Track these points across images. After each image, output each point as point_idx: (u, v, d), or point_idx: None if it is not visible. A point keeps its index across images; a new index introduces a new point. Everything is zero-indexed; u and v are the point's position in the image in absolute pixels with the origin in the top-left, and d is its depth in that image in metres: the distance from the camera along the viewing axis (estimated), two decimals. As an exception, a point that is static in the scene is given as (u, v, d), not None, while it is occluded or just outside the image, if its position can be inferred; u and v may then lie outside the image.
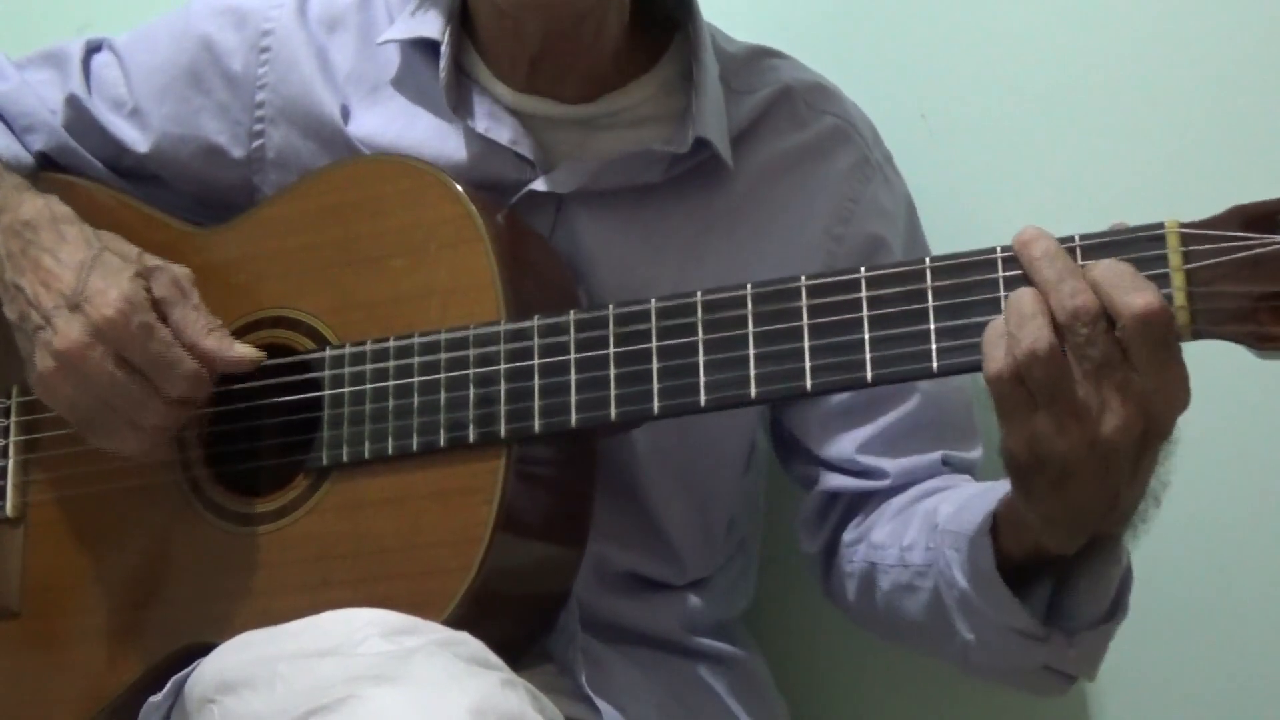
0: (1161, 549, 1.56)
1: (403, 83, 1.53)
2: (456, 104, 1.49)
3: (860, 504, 1.53)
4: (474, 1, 1.51)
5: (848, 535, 1.53)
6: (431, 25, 1.50)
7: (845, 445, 1.52)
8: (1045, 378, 1.14)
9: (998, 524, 1.29)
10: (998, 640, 1.33)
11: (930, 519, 1.42)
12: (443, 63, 1.49)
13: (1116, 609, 1.31)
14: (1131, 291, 1.12)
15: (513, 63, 1.50)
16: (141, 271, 1.42)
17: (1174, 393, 1.14)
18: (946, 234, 1.67)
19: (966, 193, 1.69)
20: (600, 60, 1.50)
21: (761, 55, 1.59)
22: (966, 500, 1.39)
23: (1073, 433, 1.15)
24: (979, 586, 1.31)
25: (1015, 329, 1.15)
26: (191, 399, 1.41)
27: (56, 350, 1.40)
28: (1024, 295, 1.16)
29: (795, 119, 1.54)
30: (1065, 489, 1.18)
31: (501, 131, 1.48)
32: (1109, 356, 1.13)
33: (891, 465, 1.51)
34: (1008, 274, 1.19)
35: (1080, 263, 1.16)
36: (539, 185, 1.47)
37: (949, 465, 1.52)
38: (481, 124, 1.49)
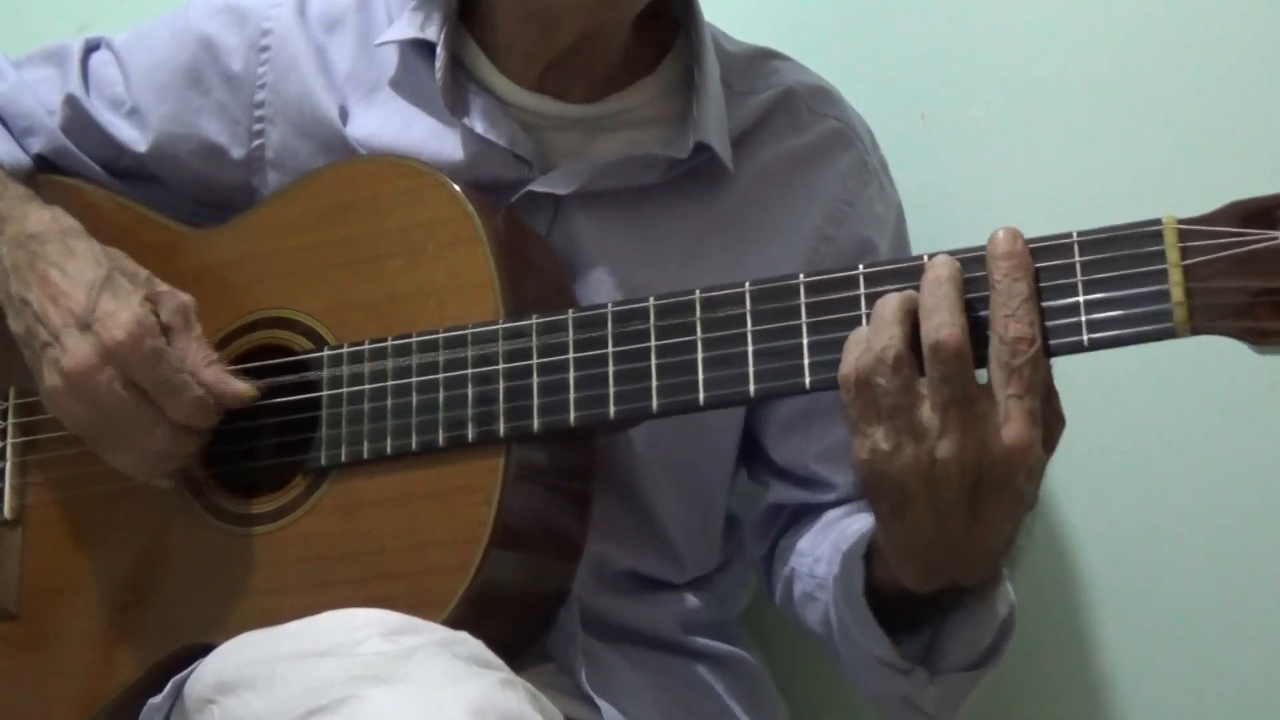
0: (1160, 546, 1.57)
1: (401, 83, 1.53)
2: (454, 104, 1.49)
3: (803, 515, 1.53)
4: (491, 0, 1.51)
5: (784, 540, 1.54)
6: (429, 27, 1.50)
7: (802, 452, 1.53)
8: (890, 388, 1.14)
9: (872, 551, 1.30)
10: (864, 664, 1.34)
11: (841, 535, 1.42)
12: (438, 64, 1.48)
13: (989, 658, 1.32)
14: (1008, 322, 1.13)
15: (527, 61, 1.50)
16: (150, 295, 1.42)
17: (1015, 443, 1.13)
18: (946, 234, 1.65)
19: (966, 192, 1.70)
20: (611, 61, 1.51)
21: (764, 57, 1.59)
22: (867, 523, 1.37)
23: (906, 452, 1.14)
24: (850, 608, 1.32)
25: (872, 334, 1.16)
26: (196, 427, 1.41)
27: (65, 370, 1.40)
28: (888, 301, 1.16)
29: (797, 122, 1.54)
30: (904, 519, 1.18)
31: (499, 132, 1.48)
32: (961, 393, 1.13)
33: (841, 479, 1.50)
34: (1003, 273, 1.19)
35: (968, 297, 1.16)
36: (537, 186, 1.47)
37: None
38: (479, 124, 1.49)
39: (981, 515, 1.16)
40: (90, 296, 1.41)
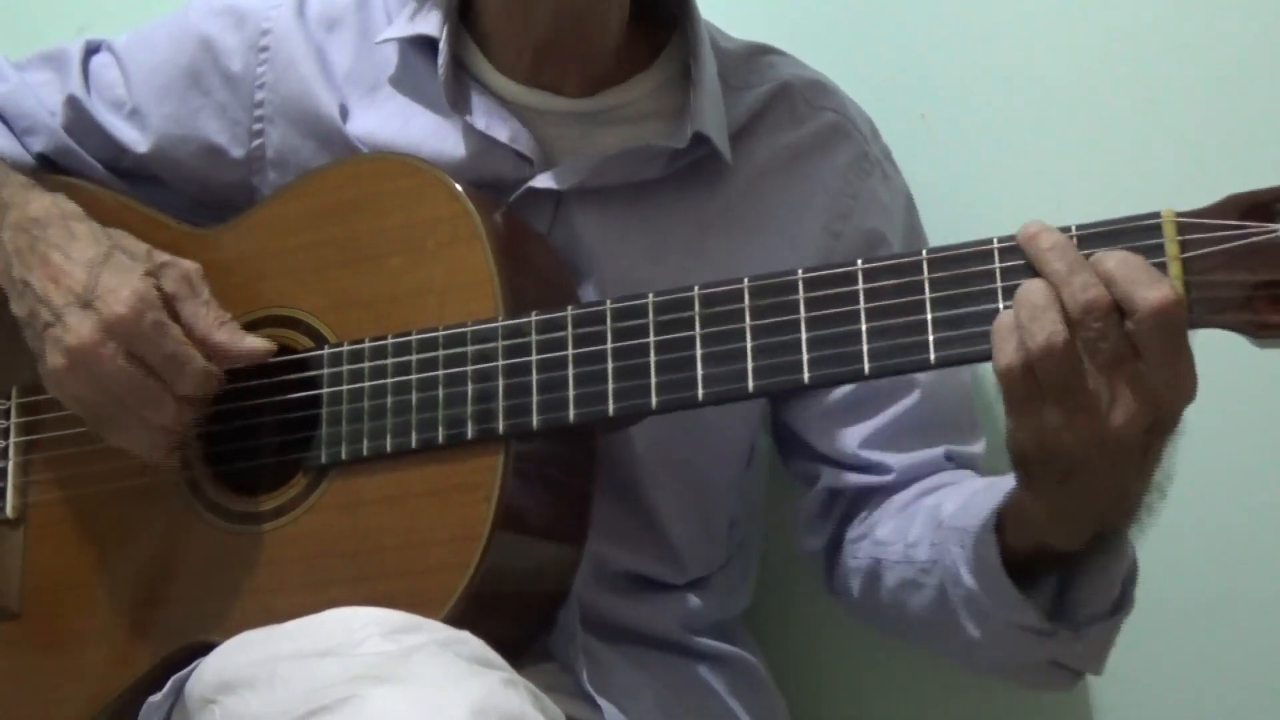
0: (1159, 544, 1.57)
1: (401, 81, 1.53)
2: (456, 100, 1.49)
3: (864, 500, 1.52)
4: None
5: (852, 532, 1.53)
6: (429, 23, 1.50)
7: (848, 440, 1.52)
8: (1057, 371, 1.14)
9: (1002, 520, 1.29)
10: (1004, 636, 1.33)
11: (935, 515, 1.42)
12: (441, 59, 1.49)
13: (1123, 602, 1.31)
14: (1147, 285, 1.12)
15: (517, 53, 1.51)
16: (152, 269, 1.43)
17: (1183, 384, 1.14)
18: (947, 233, 1.66)
19: (967, 191, 1.69)
20: (602, 55, 1.51)
21: (760, 52, 1.60)
22: (970, 496, 1.39)
23: (1082, 426, 1.14)
24: (984, 583, 1.31)
25: (1027, 321, 1.15)
26: (201, 398, 1.41)
27: (68, 347, 1.39)
28: (1034, 288, 1.15)
29: (794, 115, 1.55)
30: (1072, 483, 1.18)
31: (500, 129, 1.49)
32: (1120, 350, 1.13)
33: (895, 460, 1.51)
34: (1004, 265, 1.19)
35: (1087, 255, 1.15)
36: (537, 182, 1.47)
37: (952, 460, 1.52)
38: (480, 120, 1.49)
39: (1151, 460, 1.18)
40: (91, 274, 1.41)
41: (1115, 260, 1.14)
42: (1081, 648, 1.32)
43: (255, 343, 1.43)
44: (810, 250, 1.50)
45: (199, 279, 1.44)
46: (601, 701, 1.40)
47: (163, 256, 1.44)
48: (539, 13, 1.47)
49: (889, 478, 1.51)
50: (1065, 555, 1.27)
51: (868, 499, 1.52)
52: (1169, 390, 1.13)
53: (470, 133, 1.49)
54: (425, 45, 1.52)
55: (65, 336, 1.40)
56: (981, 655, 1.39)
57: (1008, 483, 1.26)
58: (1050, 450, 1.17)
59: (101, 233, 1.46)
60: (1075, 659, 1.33)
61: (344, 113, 1.53)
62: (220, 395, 1.44)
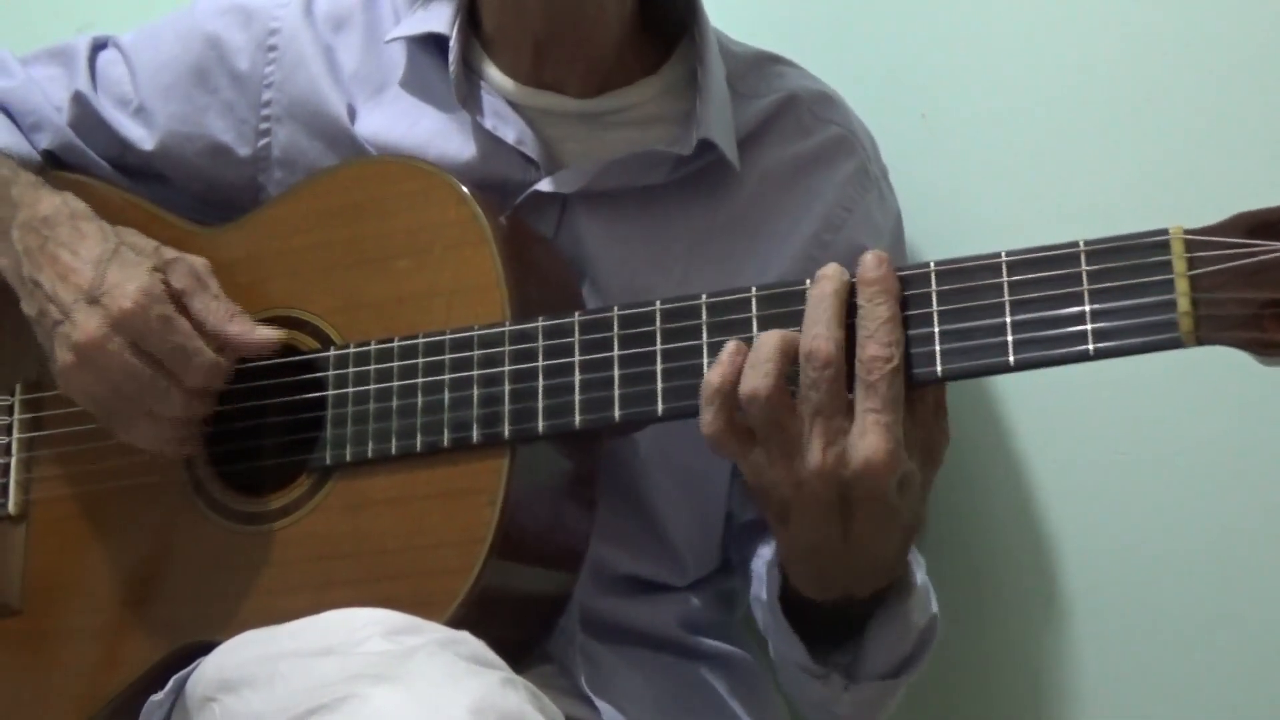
0: (1164, 559, 1.57)
1: (409, 81, 1.53)
2: (465, 98, 1.49)
3: None
4: None
5: (753, 541, 1.55)
6: (438, 20, 1.50)
7: None
8: (761, 414, 1.18)
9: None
10: (785, 668, 1.39)
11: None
12: (452, 56, 1.49)
13: (906, 668, 1.36)
14: (866, 342, 1.17)
15: (517, 51, 1.51)
16: (159, 265, 1.43)
17: (871, 451, 1.16)
18: (947, 235, 1.67)
19: (966, 193, 1.69)
20: (604, 53, 1.51)
21: (768, 61, 1.60)
22: None
23: (779, 465, 1.19)
24: (770, 613, 1.36)
25: (748, 368, 1.20)
26: (209, 390, 1.41)
27: (75, 343, 1.40)
28: (769, 339, 1.20)
29: (800, 127, 1.55)
30: (788, 526, 1.23)
31: (507, 130, 1.49)
32: (827, 403, 1.17)
33: None
34: (1011, 279, 1.19)
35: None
36: (543, 186, 1.47)
37: None
38: (489, 120, 1.49)
39: (854, 527, 1.21)
40: (98, 271, 1.42)
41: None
42: (849, 699, 1.36)
43: (267, 332, 1.43)
44: (797, 257, 1.51)
45: (207, 274, 1.44)
46: (599, 703, 1.41)
47: (170, 253, 1.45)
48: (531, 7, 1.47)
49: None
50: (837, 609, 1.31)
51: None
52: (857, 455, 1.17)
53: (478, 133, 1.49)
54: (434, 44, 1.51)
55: (73, 333, 1.40)
56: (780, 681, 1.45)
57: None
58: (762, 487, 1.22)
59: (110, 230, 1.46)
60: (842, 707, 1.37)
61: (351, 113, 1.53)
62: (227, 395, 1.44)
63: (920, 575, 1.39)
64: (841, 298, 1.20)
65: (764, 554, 1.49)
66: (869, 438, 1.16)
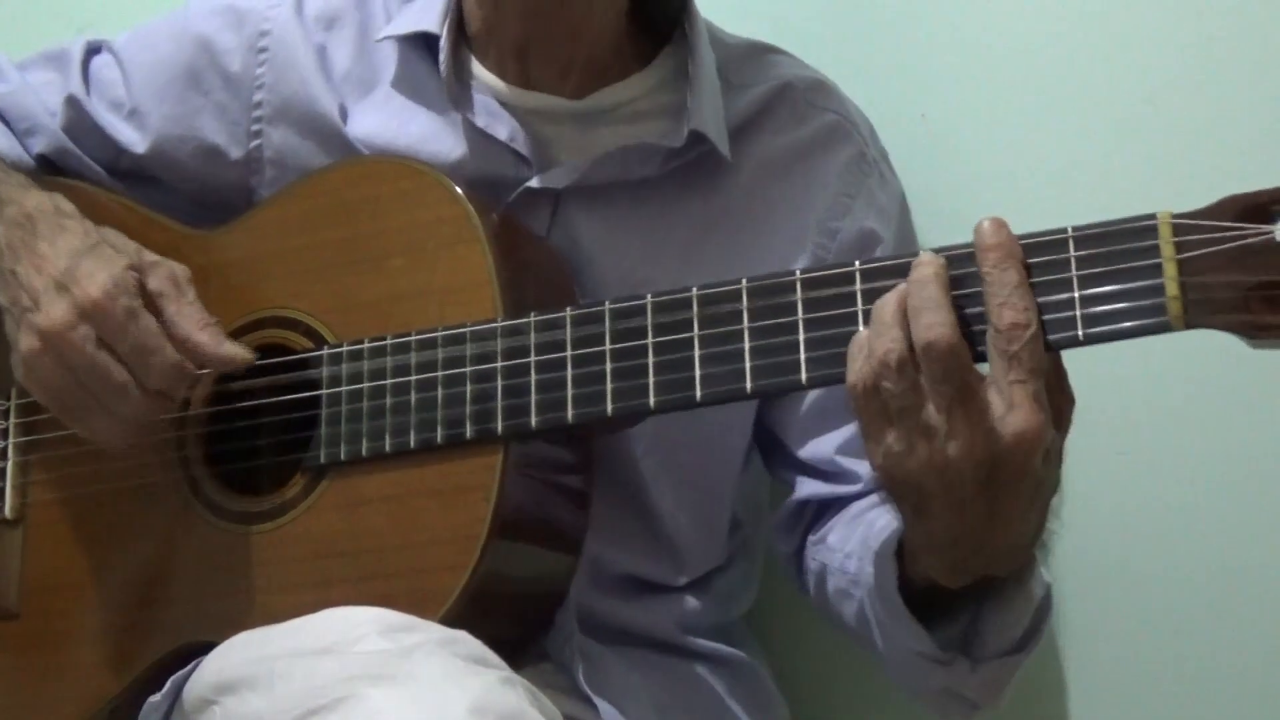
0: (1154, 542, 1.57)
1: (400, 80, 1.53)
2: (457, 97, 1.49)
3: (830, 507, 1.53)
4: None
5: (813, 535, 1.53)
6: (430, 19, 1.51)
7: (824, 446, 1.52)
8: (897, 390, 1.14)
9: (903, 546, 1.29)
10: (903, 659, 1.34)
11: (869, 530, 1.42)
12: (443, 55, 1.49)
13: (1028, 642, 1.31)
14: (1001, 310, 1.13)
15: (500, 52, 1.51)
16: (137, 264, 1.42)
17: (1023, 423, 1.12)
18: (946, 234, 1.65)
19: (967, 193, 1.69)
20: (594, 52, 1.51)
21: (760, 51, 1.60)
22: (892, 518, 1.38)
23: (920, 453, 1.14)
24: (885, 606, 1.31)
25: (873, 338, 1.16)
26: (169, 393, 1.40)
27: (40, 328, 1.39)
28: (886, 303, 1.16)
29: (794, 115, 1.55)
30: (925, 516, 1.18)
31: (499, 128, 1.49)
32: (962, 388, 1.13)
33: (865, 470, 1.49)
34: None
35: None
36: (535, 182, 1.48)
37: None
38: (481, 119, 1.49)
39: (1001, 508, 1.16)
40: (72, 260, 1.41)
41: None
42: (976, 680, 1.32)
43: (235, 349, 1.41)
44: (805, 247, 1.50)
45: (186, 282, 1.43)
46: (598, 701, 1.40)
47: (152, 256, 1.44)
48: (508, 11, 1.48)
49: (855, 487, 1.50)
50: (962, 590, 1.26)
51: (833, 506, 1.52)
52: (1008, 431, 1.12)
53: (470, 131, 1.49)
54: (425, 43, 1.52)
55: (38, 319, 1.39)
56: (889, 672, 1.40)
57: None
58: (897, 477, 1.17)
59: (93, 228, 1.46)
60: (969, 690, 1.33)
61: (343, 113, 1.53)
62: (219, 395, 1.44)
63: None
64: (944, 280, 1.15)
65: (837, 545, 1.47)
66: (1020, 411, 1.11)
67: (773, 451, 1.57)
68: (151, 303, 1.40)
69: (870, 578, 1.34)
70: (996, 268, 1.15)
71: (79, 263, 1.41)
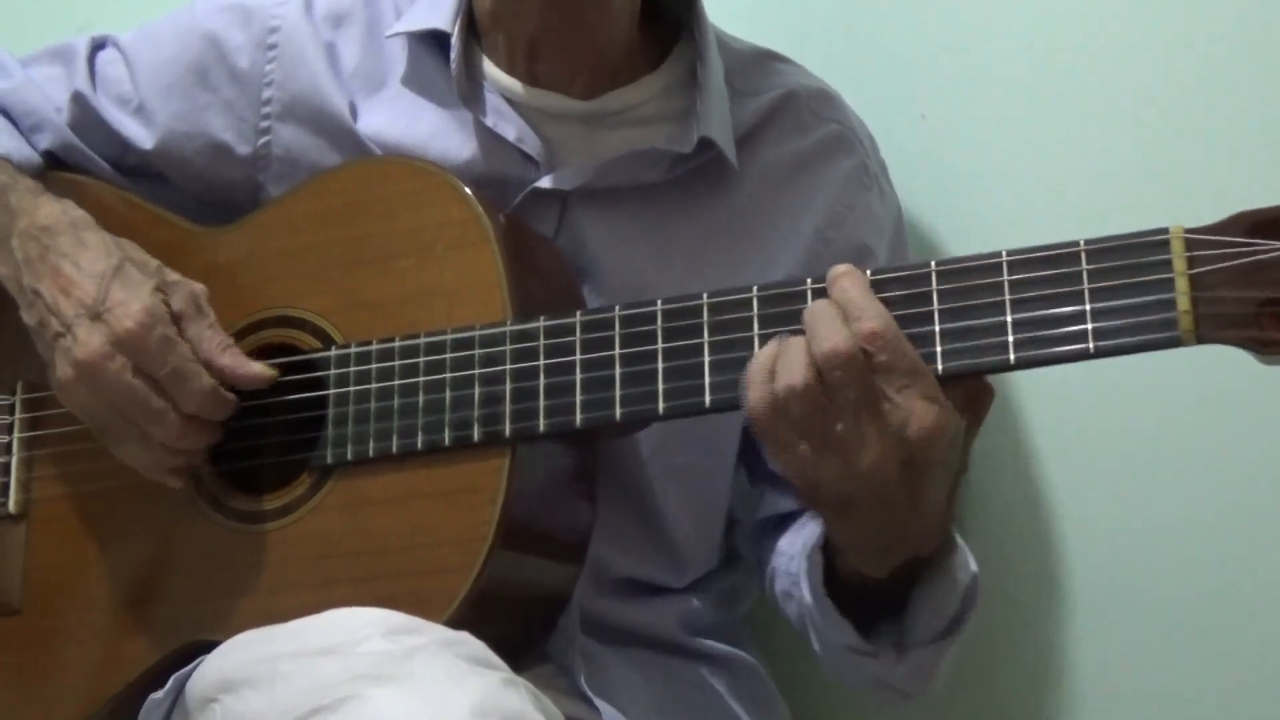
0: (1164, 555, 1.57)
1: (410, 78, 1.53)
2: (467, 95, 1.49)
3: (792, 517, 1.54)
4: None
5: (768, 541, 1.55)
6: (440, 16, 1.50)
7: None
8: (801, 414, 1.18)
9: (828, 543, 1.32)
10: (833, 652, 1.38)
11: (811, 532, 1.43)
12: (453, 53, 1.49)
13: (955, 626, 1.35)
14: (822, 336, 1.18)
15: (512, 50, 1.51)
16: (161, 285, 1.43)
17: (924, 422, 1.17)
18: (946, 235, 1.67)
19: (967, 193, 1.69)
20: (605, 55, 1.51)
21: (767, 58, 1.60)
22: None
23: (834, 464, 1.19)
24: (815, 601, 1.35)
25: (779, 365, 1.19)
26: (206, 418, 1.41)
27: (77, 360, 1.40)
28: (794, 339, 1.20)
29: (799, 124, 1.55)
30: (850, 517, 1.23)
31: (508, 127, 1.49)
32: (864, 394, 1.17)
33: None
34: (1012, 278, 1.19)
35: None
36: (543, 183, 1.47)
37: None
38: (490, 118, 1.49)
39: (919, 495, 1.21)
40: (101, 287, 1.41)
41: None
42: (903, 670, 1.35)
43: (257, 368, 1.42)
44: (799, 254, 1.51)
45: (205, 302, 1.44)
46: (599, 702, 1.41)
47: (172, 275, 1.45)
48: (529, 7, 1.47)
49: None
50: (892, 580, 1.30)
51: (794, 516, 1.53)
52: (913, 431, 1.17)
53: (479, 130, 1.49)
54: (435, 40, 1.51)
55: (74, 349, 1.40)
56: (826, 666, 1.44)
57: None
58: (813, 486, 1.21)
59: (112, 243, 1.46)
60: (897, 680, 1.37)
61: (353, 110, 1.53)
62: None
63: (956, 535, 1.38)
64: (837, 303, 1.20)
65: (785, 549, 1.49)
66: (915, 411, 1.17)
67: (753, 460, 1.58)
68: (176, 323, 1.41)
69: (801, 574, 1.38)
70: (839, 289, 1.21)
71: (109, 290, 1.41)
